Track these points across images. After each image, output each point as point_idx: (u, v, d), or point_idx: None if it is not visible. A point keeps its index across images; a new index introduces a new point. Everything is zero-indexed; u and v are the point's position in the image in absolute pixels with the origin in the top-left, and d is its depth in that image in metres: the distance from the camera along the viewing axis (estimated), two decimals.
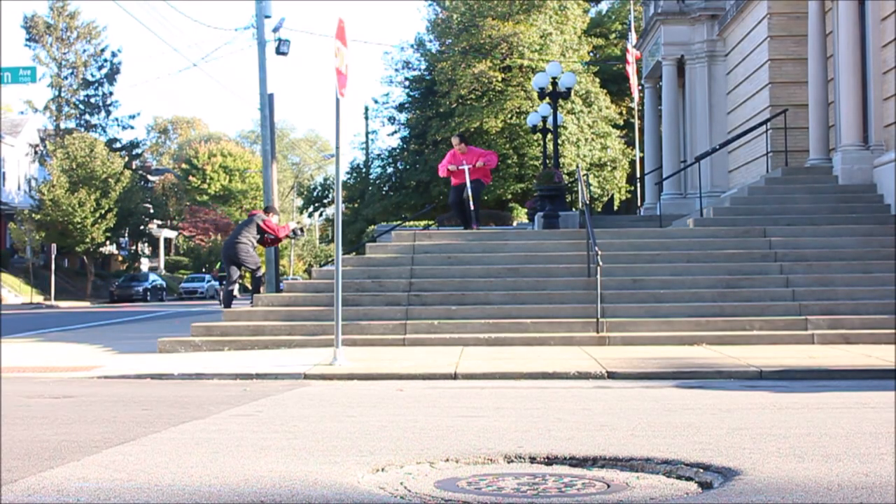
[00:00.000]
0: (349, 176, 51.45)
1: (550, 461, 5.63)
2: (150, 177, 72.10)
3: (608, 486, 4.96)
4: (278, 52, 29.18)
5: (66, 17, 62.40)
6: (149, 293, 55.52)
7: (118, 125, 64.98)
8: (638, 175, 38.76)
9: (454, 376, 10.77)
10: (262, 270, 18.62)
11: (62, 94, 62.63)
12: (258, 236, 17.66)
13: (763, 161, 21.43)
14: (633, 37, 36.93)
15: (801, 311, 14.30)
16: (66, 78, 62.58)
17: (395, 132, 49.81)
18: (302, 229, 18.36)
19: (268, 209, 18.91)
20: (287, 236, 18.33)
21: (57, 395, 9.43)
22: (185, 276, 68.70)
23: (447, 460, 5.61)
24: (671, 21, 26.58)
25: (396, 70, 49.47)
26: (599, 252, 14.39)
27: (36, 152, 62.39)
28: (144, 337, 17.30)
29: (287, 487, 4.84)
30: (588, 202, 19.37)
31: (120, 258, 71.17)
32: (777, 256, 16.07)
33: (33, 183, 60.63)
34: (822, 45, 20.01)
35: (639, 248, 16.78)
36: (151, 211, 64.95)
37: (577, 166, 28.27)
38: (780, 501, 4.48)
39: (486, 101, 42.94)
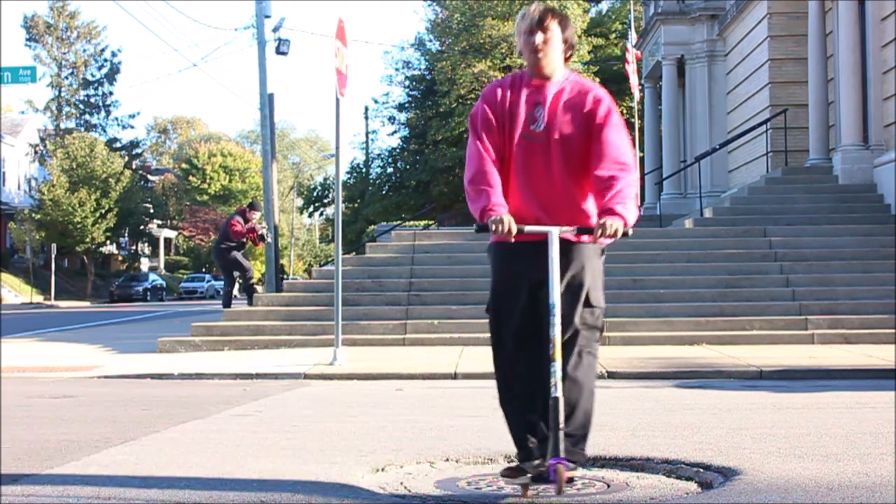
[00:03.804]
0: (349, 176, 51.44)
1: None
2: (150, 177, 72.11)
3: (608, 485, 4.95)
4: (278, 51, 29.14)
5: (66, 17, 62.42)
6: (149, 293, 55.50)
7: (118, 125, 65.06)
8: (638, 175, 38.75)
9: (454, 376, 10.77)
10: (252, 273, 18.36)
11: (62, 94, 62.65)
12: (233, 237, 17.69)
13: (763, 161, 21.43)
14: (633, 36, 36.83)
15: (801, 311, 14.30)
16: (66, 78, 62.60)
17: (395, 132, 49.82)
18: (262, 236, 18.15)
19: (252, 205, 18.81)
20: (245, 234, 17.90)
21: (57, 394, 9.43)
22: (185, 276, 68.66)
23: (447, 460, 5.60)
24: (671, 21, 26.59)
25: (396, 70, 49.50)
26: None
27: (36, 152, 62.38)
28: (144, 337, 17.29)
29: (287, 487, 4.83)
30: None
31: (120, 258, 71.16)
32: (777, 256, 16.06)
33: (33, 183, 60.61)
34: (822, 45, 20.01)
35: (639, 248, 16.77)
36: (151, 211, 64.94)
37: None
38: (780, 501, 4.48)
39: None
